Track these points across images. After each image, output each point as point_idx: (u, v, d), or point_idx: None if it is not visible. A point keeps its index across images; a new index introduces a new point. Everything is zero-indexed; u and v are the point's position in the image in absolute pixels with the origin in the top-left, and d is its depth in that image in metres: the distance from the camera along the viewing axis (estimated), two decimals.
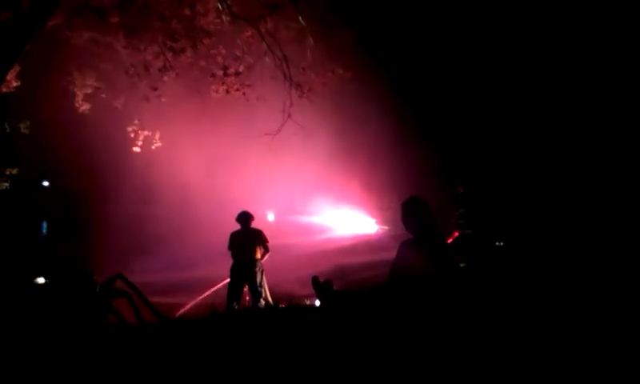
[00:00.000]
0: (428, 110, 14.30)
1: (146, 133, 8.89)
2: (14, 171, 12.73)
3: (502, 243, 8.53)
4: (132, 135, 8.87)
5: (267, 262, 7.99)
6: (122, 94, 8.43)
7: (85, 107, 8.32)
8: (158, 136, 9.01)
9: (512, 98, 12.76)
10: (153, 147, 9.07)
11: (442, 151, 13.84)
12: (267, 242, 7.91)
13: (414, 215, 3.90)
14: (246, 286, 7.79)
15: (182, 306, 8.98)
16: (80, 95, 8.20)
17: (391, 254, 4.28)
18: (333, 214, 14.21)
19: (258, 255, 7.80)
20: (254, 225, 8.06)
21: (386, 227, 14.06)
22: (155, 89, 8.16)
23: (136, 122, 8.84)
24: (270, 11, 7.14)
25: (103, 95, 8.26)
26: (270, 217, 13.88)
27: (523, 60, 12.46)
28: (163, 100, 8.31)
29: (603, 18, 10.74)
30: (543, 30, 11.83)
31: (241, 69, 7.86)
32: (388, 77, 13.67)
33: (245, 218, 7.95)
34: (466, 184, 8.03)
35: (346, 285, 7.83)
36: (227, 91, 8.02)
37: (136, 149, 8.89)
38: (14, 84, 7.82)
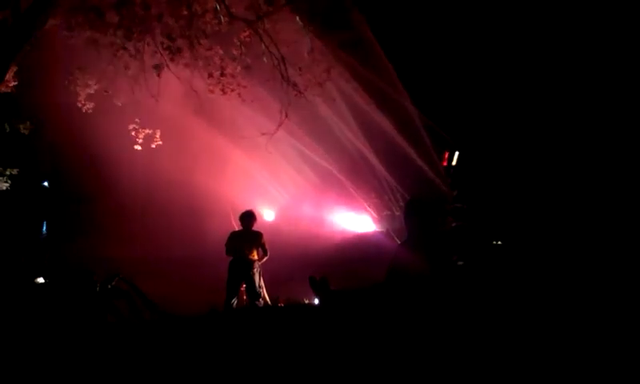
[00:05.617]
0: (428, 106, 14.34)
1: (146, 131, 8.92)
2: (14, 171, 12.77)
3: (499, 242, 8.57)
4: (133, 133, 8.90)
5: (265, 261, 7.98)
6: (122, 92, 8.45)
7: (88, 106, 8.34)
8: (158, 134, 9.04)
9: (509, 95, 12.80)
10: (153, 146, 9.10)
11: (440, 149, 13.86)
12: (266, 245, 7.84)
13: (414, 216, 3.96)
14: (244, 286, 7.81)
15: None
16: (83, 95, 8.21)
17: (388, 253, 4.32)
18: (331, 213, 14.23)
19: (256, 257, 7.78)
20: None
21: (385, 218, 14.08)
22: (153, 89, 8.18)
23: (137, 120, 8.87)
24: (268, 12, 7.13)
25: (105, 92, 8.26)
26: (269, 216, 13.84)
27: (522, 55, 12.52)
28: (156, 100, 8.34)
29: (597, 19, 10.77)
30: (536, 29, 11.89)
31: (238, 69, 7.86)
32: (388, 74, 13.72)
33: (248, 218, 7.88)
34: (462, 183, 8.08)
35: (343, 283, 7.85)
36: (223, 91, 8.01)
37: (137, 147, 8.93)
38: (13, 84, 7.82)
